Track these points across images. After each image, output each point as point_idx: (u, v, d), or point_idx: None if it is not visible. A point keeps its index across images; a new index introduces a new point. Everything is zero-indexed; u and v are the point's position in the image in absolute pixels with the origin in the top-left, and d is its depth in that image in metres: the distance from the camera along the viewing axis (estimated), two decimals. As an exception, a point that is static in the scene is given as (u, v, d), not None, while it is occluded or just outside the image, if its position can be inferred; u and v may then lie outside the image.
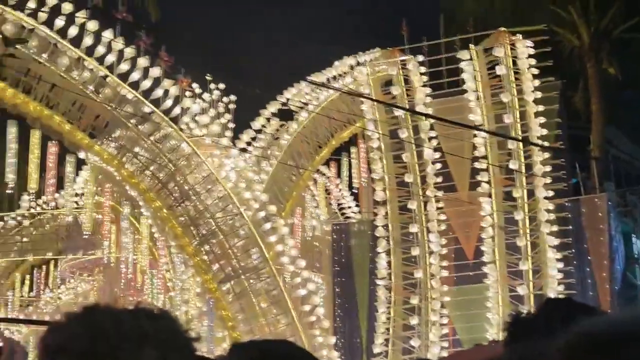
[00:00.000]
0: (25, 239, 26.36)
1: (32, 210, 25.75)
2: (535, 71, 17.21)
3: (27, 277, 28.46)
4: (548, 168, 16.85)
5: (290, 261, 16.23)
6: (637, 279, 21.49)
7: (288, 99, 19.67)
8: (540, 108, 17.01)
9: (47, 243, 26.22)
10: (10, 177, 21.89)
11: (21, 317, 25.33)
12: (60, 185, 24.49)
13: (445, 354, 16.82)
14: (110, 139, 15.71)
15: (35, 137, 22.13)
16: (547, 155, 16.89)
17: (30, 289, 28.54)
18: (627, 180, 22.32)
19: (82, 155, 19.15)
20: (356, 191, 23.87)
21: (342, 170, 24.70)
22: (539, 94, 17.07)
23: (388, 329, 17.17)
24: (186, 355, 1.65)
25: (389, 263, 17.36)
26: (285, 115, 20.19)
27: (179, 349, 1.63)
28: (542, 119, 16.98)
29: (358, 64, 19.17)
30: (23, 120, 17.43)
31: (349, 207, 24.21)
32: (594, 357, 1.25)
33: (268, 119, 19.77)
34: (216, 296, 16.04)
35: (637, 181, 22.98)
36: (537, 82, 17.16)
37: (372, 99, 17.58)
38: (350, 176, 24.35)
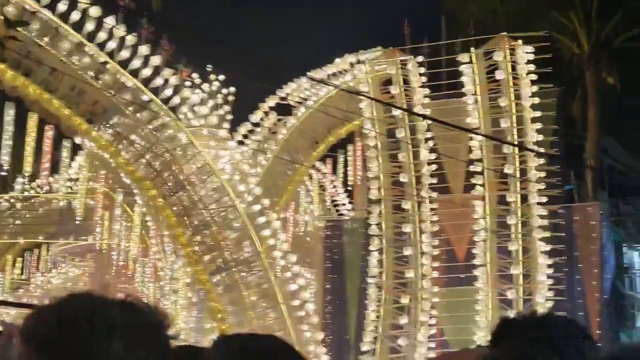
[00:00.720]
0: (17, 222, 26.35)
1: (26, 194, 25.72)
2: (534, 77, 17.25)
3: (19, 259, 28.46)
4: (542, 174, 16.91)
5: (281, 255, 16.26)
6: (626, 288, 21.60)
7: (287, 94, 19.68)
8: (537, 114, 17.05)
9: (39, 227, 26.21)
10: (5, 159, 21.87)
11: (11, 299, 25.34)
12: (55, 169, 24.47)
13: (432, 354, 16.88)
14: (107, 125, 15.70)
15: (32, 120, 22.09)
16: (542, 161, 16.94)
17: (22, 272, 28.54)
18: (621, 191, 22.40)
19: (78, 140, 19.15)
20: (351, 188, 23.90)
21: (337, 167, 24.73)
22: (536, 100, 17.11)
23: (377, 327, 17.22)
24: (157, 350, 1.63)
25: (380, 262, 17.41)
26: (284, 110, 20.20)
27: (150, 345, 1.61)
28: (539, 125, 17.02)
29: (358, 62, 19.19)
30: (21, 103, 17.41)
31: (343, 204, 24.25)
32: None
33: (266, 113, 19.77)
34: (207, 287, 16.06)
35: (631, 192, 23.08)
36: (535, 88, 17.20)
37: (370, 97, 17.61)
38: (345, 173, 24.37)
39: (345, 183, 24.40)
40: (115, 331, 1.57)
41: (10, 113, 21.56)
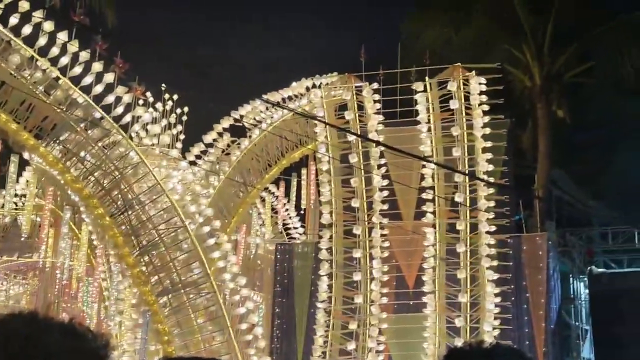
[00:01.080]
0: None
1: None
2: (486, 107, 17.52)
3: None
4: (492, 203, 17.11)
5: (230, 278, 16.09)
6: (572, 318, 21.89)
7: (242, 116, 19.62)
8: (488, 144, 17.30)
9: (-17, 243, 25.52)
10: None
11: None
12: (1, 184, 23.94)
13: (379, 381, 16.83)
14: (56, 141, 15.42)
15: (-21, 133, 21.58)
16: (492, 190, 17.15)
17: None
18: (568, 222, 22.77)
19: (26, 155, 18.78)
20: (303, 212, 23.85)
21: (290, 190, 24.68)
22: (488, 130, 17.36)
23: (324, 353, 17.13)
24: None
25: (330, 286, 17.36)
26: (238, 131, 20.12)
27: None
28: (489, 155, 17.26)
29: (314, 86, 19.26)
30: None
31: (295, 228, 24.17)
32: None
33: (220, 134, 19.67)
34: (153, 309, 15.78)
35: (578, 223, 23.48)
36: (487, 119, 17.46)
37: (324, 122, 17.65)
38: (298, 197, 24.33)
39: (297, 207, 24.35)
40: (54, 357, 1.52)
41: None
